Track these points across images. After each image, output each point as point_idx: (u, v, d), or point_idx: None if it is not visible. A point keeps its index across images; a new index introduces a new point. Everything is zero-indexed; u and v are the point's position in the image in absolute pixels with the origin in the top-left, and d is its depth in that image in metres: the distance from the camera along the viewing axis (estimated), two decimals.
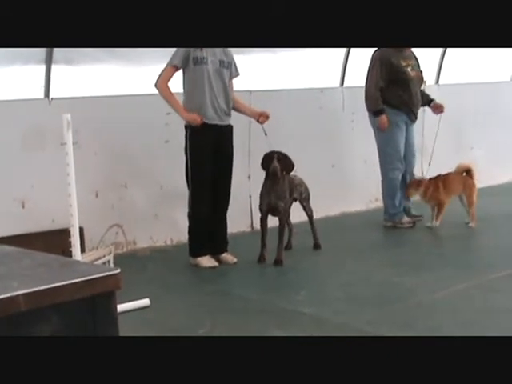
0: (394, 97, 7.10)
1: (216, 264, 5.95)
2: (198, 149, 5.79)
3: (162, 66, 5.76)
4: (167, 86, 5.76)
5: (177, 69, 5.76)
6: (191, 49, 5.66)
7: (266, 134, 5.93)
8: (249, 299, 5.02)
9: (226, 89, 5.88)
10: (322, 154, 7.84)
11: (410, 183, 7.28)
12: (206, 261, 5.94)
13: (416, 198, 7.34)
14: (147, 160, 6.60)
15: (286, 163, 5.96)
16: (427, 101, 7.46)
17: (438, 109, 7.45)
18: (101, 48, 6.00)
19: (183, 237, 6.29)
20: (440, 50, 8.81)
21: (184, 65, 5.73)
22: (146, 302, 4.84)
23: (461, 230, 7.12)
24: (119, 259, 5.77)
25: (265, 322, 4.46)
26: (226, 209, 6.06)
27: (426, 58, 7.30)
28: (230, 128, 5.95)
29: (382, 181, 7.39)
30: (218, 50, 5.81)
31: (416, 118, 7.33)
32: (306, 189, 6.37)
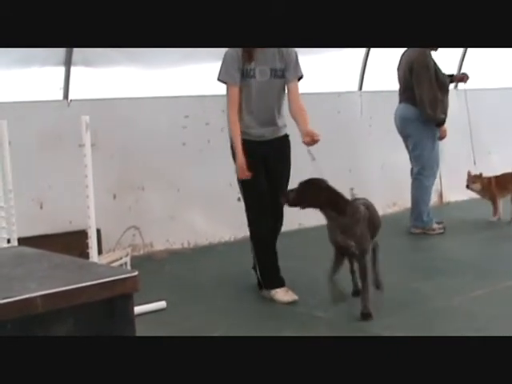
0: None
1: (296, 298, 4.98)
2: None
3: (179, 69, 5.74)
4: (236, 123, 4.89)
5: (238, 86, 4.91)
6: (240, 59, 4.84)
7: (313, 159, 4.71)
8: (264, 303, 5.02)
9: (279, 100, 5.03)
10: (339, 158, 7.79)
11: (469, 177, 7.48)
12: (283, 294, 5.02)
13: None
14: (164, 163, 6.60)
15: (304, 191, 4.51)
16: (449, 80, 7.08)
17: (463, 79, 7.33)
18: (120, 50, 6.03)
19: (200, 239, 6.26)
20: (459, 55, 8.76)
21: (240, 77, 4.91)
22: (162, 304, 4.85)
23: (479, 237, 7.07)
24: (136, 261, 5.78)
25: (280, 326, 4.45)
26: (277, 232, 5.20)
27: (445, 63, 7.21)
28: (281, 141, 5.09)
29: (419, 188, 7.06)
30: (270, 57, 4.89)
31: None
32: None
